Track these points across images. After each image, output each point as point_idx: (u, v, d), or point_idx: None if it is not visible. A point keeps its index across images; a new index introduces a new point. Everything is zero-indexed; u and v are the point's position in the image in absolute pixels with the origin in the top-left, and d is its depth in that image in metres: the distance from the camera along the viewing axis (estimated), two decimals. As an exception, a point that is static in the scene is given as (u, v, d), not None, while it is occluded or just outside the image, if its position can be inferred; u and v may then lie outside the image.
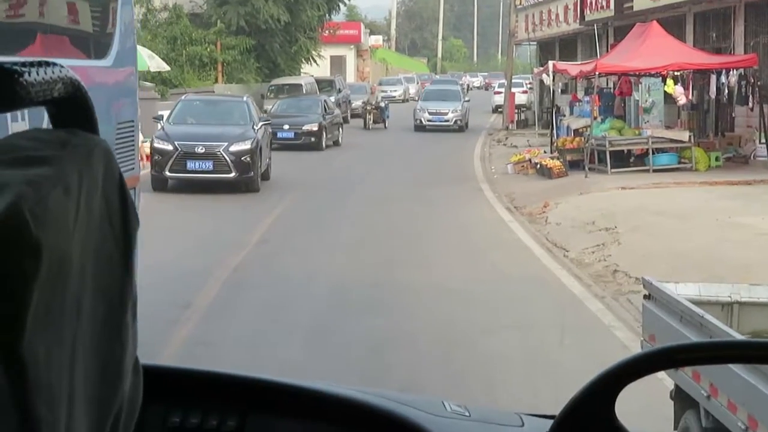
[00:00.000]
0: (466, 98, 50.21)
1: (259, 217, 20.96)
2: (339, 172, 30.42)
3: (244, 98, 28.16)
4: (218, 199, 23.95)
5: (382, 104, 50.33)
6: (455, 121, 47.66)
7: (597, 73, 26.45)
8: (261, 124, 26.49)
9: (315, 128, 37.36)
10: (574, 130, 30.60)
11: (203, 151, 24.63)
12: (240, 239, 18.30)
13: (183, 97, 29.29)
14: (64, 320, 1.04)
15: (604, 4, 35.60)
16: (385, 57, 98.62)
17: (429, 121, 47.32)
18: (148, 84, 39.30)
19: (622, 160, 27.04)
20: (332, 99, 50.47)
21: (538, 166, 28.21)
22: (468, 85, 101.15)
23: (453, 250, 17.81)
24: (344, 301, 13.84)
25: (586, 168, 26.13)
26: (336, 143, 39.75)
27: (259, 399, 2.11)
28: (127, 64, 11.95)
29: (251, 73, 50.20)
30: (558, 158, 27.96)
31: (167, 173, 24.63)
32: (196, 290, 14.27)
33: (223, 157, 24.55)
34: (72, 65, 1.29)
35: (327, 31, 58.57)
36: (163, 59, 44.13)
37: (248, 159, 24.76)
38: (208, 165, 24.64)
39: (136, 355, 1.23)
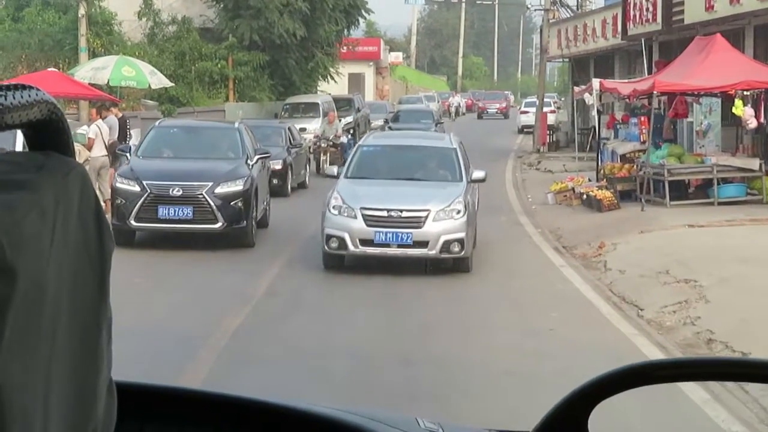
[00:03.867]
0: (476, 174, 18.72)
1: (260, 271, 17.39)
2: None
3: (236, 124, 22.73)
4: (202, 257, 18.64)
5: (344, 139, 36.70)
6: (446, 246, 16.99)
7: (655, 92, 23.20)
8: (257, 157, 20.89)
9: (279, 167, 27.51)
10: (621, 156, 27.39)
11: (180, 193, 18.99)
12: (240, 296, 15.13)
13: (157, 123, 23.33)
14: (39, 344, 1.03)
15: (650, 17, 32.40)
16: (405, 75, 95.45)
17: (365, 245, 17.05)
18: (150, 102, 36.31)
19: (680, 190, 23.82)
20: (350, 119, 47.59)
21: (585, 196, 25.00)
22: (456, 108, 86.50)
23: (500, 308, 14.62)
24: (368, 387, 10.64)
25: (643, 200, 22.91)
26: (302, 185, 30.70)
27: (233, 416, 2.07)
28: None
29: (265, 90, 46.96)
30: (607, 188, 24.75)
31: (132, 223, 18.98)
32: (184, 364, 11.13)
33: (207, 201, 18.97)
34: None
35: (345, 47, 55.36)
36: (170, 76, 41.14)
37: (239, 204, 19.16)
38: (187, 212, 18.94)
39: (111, 376, 1.20)
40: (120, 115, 26.90)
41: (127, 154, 20.75)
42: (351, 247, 16.86)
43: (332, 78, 52.62)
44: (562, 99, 69.85)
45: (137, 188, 19.09)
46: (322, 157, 34.71)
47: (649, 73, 33.45)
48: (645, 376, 1.71)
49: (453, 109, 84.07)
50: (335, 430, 2.02)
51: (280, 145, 28.96)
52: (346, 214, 17.02)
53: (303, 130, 38.35)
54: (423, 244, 16.82)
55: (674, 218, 20.97)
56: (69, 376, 1.11)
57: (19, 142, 16.93)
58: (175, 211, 18.98)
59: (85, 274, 1.15)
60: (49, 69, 29.47)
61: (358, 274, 17.04)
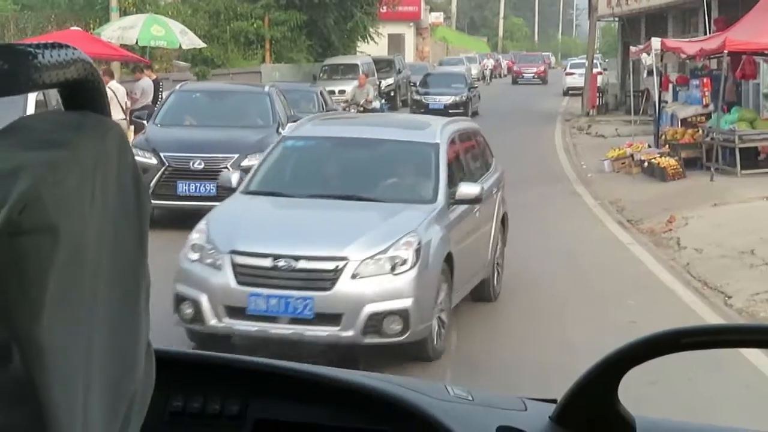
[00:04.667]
0: (465, 189, 11.22)
1: None
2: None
3: (266, 88, 20.00)
4: None
5: (377, 104, 32.47)
6: (374, 323, 9.68)
7: (726, 51, 21.35)
8: (290, 125, 18.08)
9: None
10: (682, 120, 25.60)
11: (202, 167, 16.74)
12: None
13: (178, 87, 20.37)
14: (80, 305, 1.03)
15: (711, -29, 30.48)
16: (446, 36, 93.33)
17: (234, 317, 9.82)
18: (182, 64, 34.77)
19: (749, 158, 22.02)
20: (391, 81, 45.94)
21: (646, 164, 23.24)
22: (491, 71, 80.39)
23: (570, 295, 12.95)
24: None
25: (712, 169, 21.14)
26: None
27: (261, 383, 2.09)
28: None
29: (302, 51, 45.24)
30: (670, 155, 22.98)
31: None
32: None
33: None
34: None
35: (385, 7, 53.40)
36: (204, 36, 39.57)
37: None
38: (210, 188, 16.31)
39: (149, 339, 1.21)
40: (154, 77, 25.41)
41: (145, 122, 18.68)
42: (210, 320, 9.75)
43: (372, 39, 50.83)
44: (606, 60, 67.88)
45: (154, 161, 16.91)
46: None
47: (708, 32, 31.63)
48: (675, 344, 1.70)
49: (488, 72, 78.19)
50: (364, 397, 2.03)
51: (311, 111, 24.61)
52: (208, 262, 9.91)
53: (342, 92, 36.77)
54: (332, 318, 9.58)
55: (748, 189, 19.23)
56: (110, 337, 1.10)
57: (30, 106, 15.33)
58: (196, 186, 16.74)
59: (124, 236, 1.13)
60: (73, 28, 27.87)
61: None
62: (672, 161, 22.13)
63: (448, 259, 10.38)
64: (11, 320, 0.94)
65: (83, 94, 1.13)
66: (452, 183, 11.13)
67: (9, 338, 0.94)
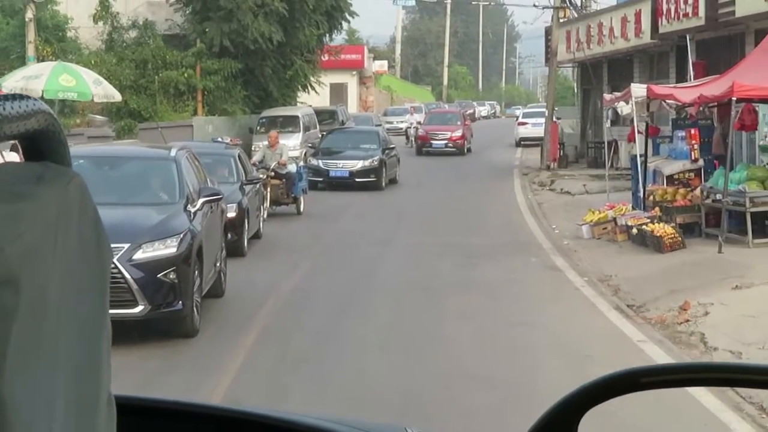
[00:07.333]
0: None
1: (209, 372, 12.11)
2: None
3: (173, 153, 15.43)
4: (115, 354, 10.72)
5: (292, 167, 26.50)
6: None
7: (734, 99, 18.07)
8: (202, 200, 14.40)
9: (233, 214, 18.91)
10: (668, 177, 22.35)
11: None
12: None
13: None
14: (42, 357, 1.01)
15: (690, 11, 27.43)
16: (390, 84, 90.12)
17: None
18: (99, 118, 31.22)
19: (755, 223, 18.75)
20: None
21: (634, 230, 19.87)
22: (416, 129, 55.66)
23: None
24: None
25: (720, 238, 17.80)
26: (256, 235, 21.65)
27: (223, 429, 2.02)
28: None
29: (238, 102, 41.68)
30: (662, 219, 19.67)
31: None
32: None
33: (121, 273, 12.23)
34: None
35: (327, 55, 49.93)
36: (130, 87, 36.23)
37: (172, 276, 12.61)
38: None
39: (110, 389, 1.18)
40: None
41: None
42: None
43: (313, 88, 47.43)
44: (556, 108, 65.04)
45: None
46: (265, 192, 24.54)
47: (682, 77, 28.80)
48: (633, 383, 1.64)
49: (412, 131, 57.75)
50: None
51: (229, 180, 20.49)
52: None
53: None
54: None
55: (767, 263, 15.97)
56: (71, 388, 1.07)
57: None
58: None
59: (85, 286, 1.11)
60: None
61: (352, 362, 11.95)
62: (668, 229, 18.77)
63: None
64: None
65: (44, 145, 1.10)
66: None
67: None
